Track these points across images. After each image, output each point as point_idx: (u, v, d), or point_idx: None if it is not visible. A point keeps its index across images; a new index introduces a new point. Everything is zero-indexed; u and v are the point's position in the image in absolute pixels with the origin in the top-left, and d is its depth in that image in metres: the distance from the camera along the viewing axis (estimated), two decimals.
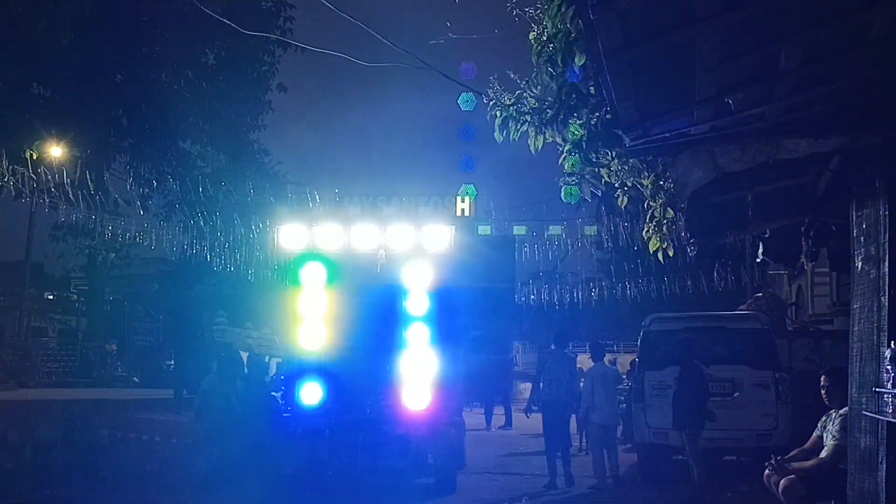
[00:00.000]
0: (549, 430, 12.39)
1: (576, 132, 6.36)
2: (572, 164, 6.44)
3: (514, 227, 19.21)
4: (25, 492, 10.20)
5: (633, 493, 12.02)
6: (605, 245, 21.83)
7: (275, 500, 10.24)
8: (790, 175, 7.27)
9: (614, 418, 12.82)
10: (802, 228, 8.64)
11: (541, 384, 13.06)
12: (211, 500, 10.04)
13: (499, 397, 22.70)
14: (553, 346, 13.71)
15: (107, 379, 26.46)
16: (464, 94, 13.05)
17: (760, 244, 9.60)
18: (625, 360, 25.34)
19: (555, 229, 22.39)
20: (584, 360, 20.51)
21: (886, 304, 5.67)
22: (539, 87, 6.47)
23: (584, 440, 14.61)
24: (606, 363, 13.40)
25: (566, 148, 6.65)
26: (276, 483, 10.91)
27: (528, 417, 18.57)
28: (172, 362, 29.64)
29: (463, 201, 12.72)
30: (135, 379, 25.80)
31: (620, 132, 5.88)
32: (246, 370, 14.63)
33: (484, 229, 13.22)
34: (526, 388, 25.20)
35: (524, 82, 6.62)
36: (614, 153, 6.65)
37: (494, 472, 13.81)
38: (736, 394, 12.44)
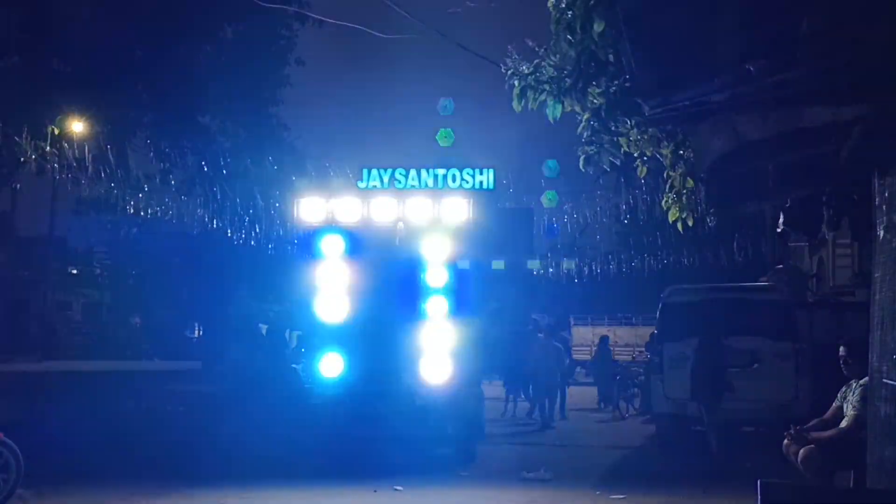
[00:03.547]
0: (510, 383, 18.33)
1: (595, 100, 6.30)
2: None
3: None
4: (52, 463, 10.35)
5: (649, 464, 12.06)
6: (624, 217, 21.75)
7: (297, 471, 10.34)
8: (812, 144, 7.15)
9: (554, 378, 16.67)
10: (824, 198, 8.54)
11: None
12: (234, 469, 10.16)
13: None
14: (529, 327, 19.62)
15: (131, 352, 26.77)
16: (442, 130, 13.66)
17: (781, 214, 9.51)
18: (644, 332, 25.33)
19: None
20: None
21: None
22: (558, 56, 6.40)
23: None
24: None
25: (585, 117, 6.59)
26: (298, 453, 11.02)
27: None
28: (196, 335, 30.02)
29: (482, 174, 12.69)
30: (155, 359, 26.10)
31: (640, 100, 5.81)
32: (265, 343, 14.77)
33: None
34: None
35: (542, 50, 6.55)
36: (633, 122, 6.57)
37: (513, 442, 13.88)
38: (755, 365, 12.39)
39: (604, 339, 22.25)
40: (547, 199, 20.23)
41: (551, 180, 19.31)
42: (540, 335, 17.89)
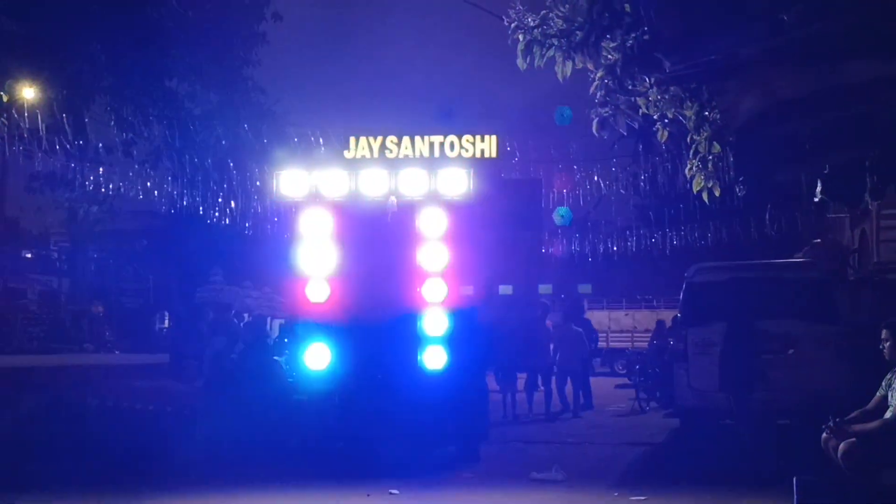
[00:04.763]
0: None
1: (609, 56, 6.27)
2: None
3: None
4: (8, 469, 10.38)
5: (673, 462, 12.12)
6: (643, 188, 21.72)
7: (280, 474, 10.39)
8: (853, 103, 7.14)
9: (574, 365, 17.42)
10: (867, 163, 8.52)
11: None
12: (209, 473, 10.20)
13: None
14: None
15: (93, 344, 26.81)
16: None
17: (819, 182, 9.50)
18: (666, 316, 25.37)
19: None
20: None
21: None
22: (567, 6, 6.36)
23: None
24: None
25: (598, 74, 6.56)
26: (282, 456, 11.06)
27: None
28: (166, 325, 30.15)
29: (483, 141, 12.63)
30: (115, 352, 26.17)
31: (660, 55, 5.79)
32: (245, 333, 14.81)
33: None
34: None
35: (550, 0, 6.52)
36: (653, 80, 6.55)
37: (521, 439, 13.95)
38: (791, 351, 12.44)
39: (660, 324, 22.23)
40: (559, 216, 20.63)
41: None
42: (548, 320, 18.13)
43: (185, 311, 24.06)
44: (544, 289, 26.51)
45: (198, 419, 12.83)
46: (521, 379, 18.20)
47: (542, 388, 17.52)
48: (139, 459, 10.98)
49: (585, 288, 32.39)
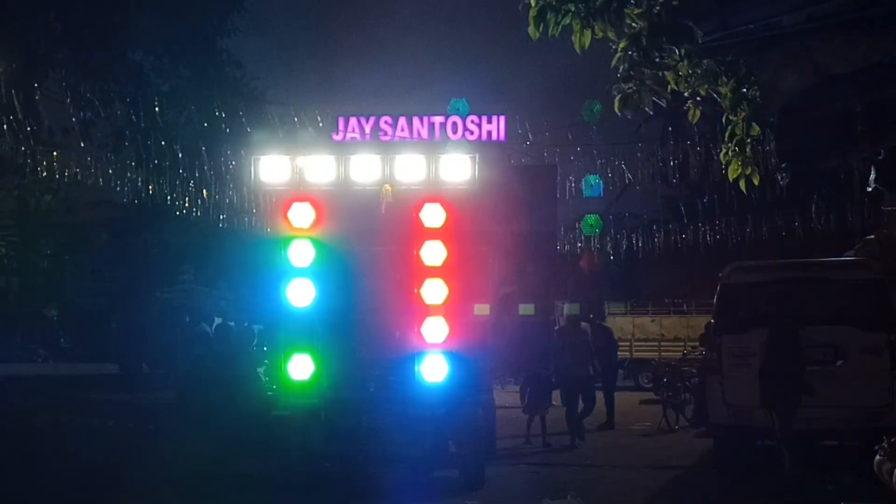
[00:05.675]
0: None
1: (633, 24, 6.25)
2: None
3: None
4: None
5: (705, 487, 12.15)
6: (673, 177, 21.74)
7: (258, 501, 10.41)
8: None
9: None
10: None
11: None
12: (178, 502, 10.22)
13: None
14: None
15: (47, 351, 26.87)
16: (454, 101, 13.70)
17: (873, 169, 9.50)
18: (698, 323, 25.37)
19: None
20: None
21: None
22: None
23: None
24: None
25: (621, 45, 6.54)
26: (260, 479, 11.07)
27: None
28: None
29: (490, 122, 12.65)
30: (49, 361, 26.21)
31: (691, 23, 5.78)
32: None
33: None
34: None
35: None
36: (683, 52, 6.53)
37: (532, 461, 13.97)
38: (839, 361, 12.44)
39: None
40: (588, 224, 20.51)
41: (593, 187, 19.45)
42: (567, 323, 17.90)
43: (148, 314, 24.10)
44: (572, 308, 26.53)
45: (164, 437, 12.85)
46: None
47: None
48: (97, 484, 10.98)
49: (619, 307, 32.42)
